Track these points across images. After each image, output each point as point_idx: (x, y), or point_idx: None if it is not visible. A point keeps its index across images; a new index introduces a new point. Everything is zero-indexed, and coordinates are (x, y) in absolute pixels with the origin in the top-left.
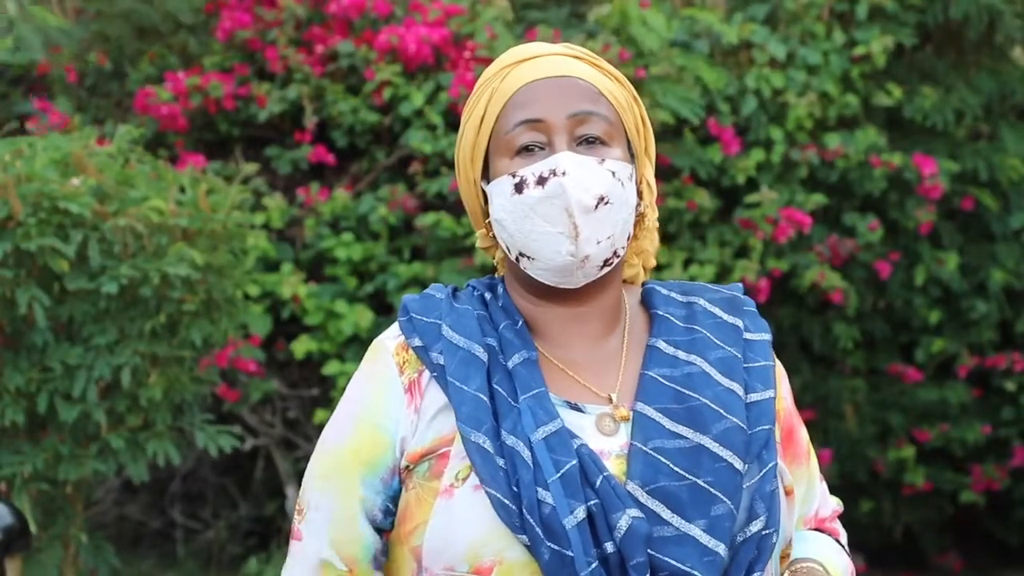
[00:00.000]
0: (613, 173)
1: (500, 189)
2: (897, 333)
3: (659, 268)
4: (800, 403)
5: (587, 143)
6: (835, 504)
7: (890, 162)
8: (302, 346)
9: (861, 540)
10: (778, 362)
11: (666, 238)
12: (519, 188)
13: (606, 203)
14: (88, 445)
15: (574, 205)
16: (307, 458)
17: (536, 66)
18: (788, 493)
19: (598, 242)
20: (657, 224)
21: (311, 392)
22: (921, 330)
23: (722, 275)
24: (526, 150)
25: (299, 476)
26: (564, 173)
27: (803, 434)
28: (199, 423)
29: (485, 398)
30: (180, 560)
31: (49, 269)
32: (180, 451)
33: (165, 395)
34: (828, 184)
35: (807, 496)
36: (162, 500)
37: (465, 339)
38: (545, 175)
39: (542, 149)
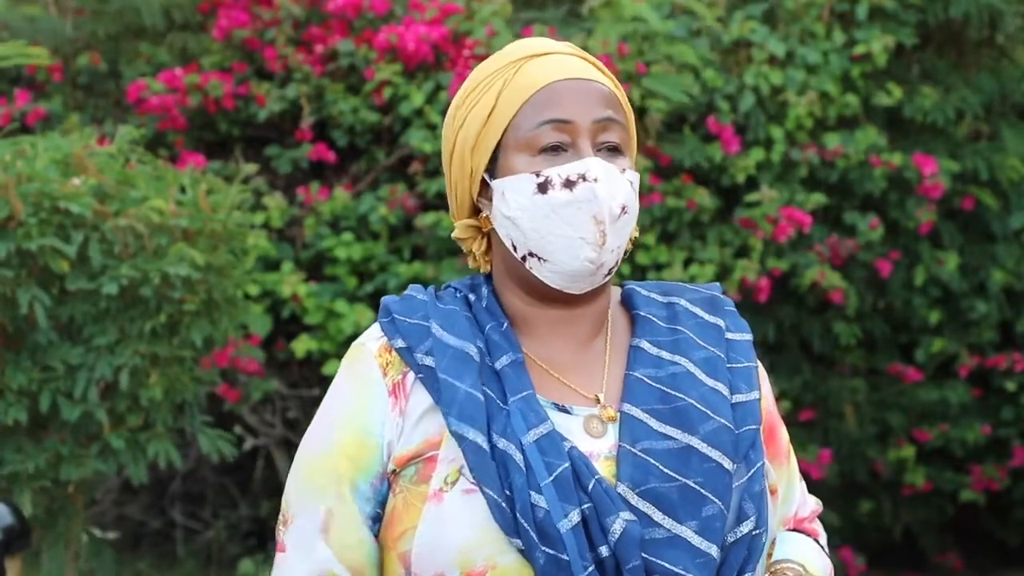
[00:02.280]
0: (631, 183)
1: (518, 187)
2: (897, 333)
3: (659, 268)
4: (800, 403)
5: (608, 150)
6: (814, 504)
7: (890, 162)
8: (302, 345)
9: (861, 540)
10: (759, 362)
11: (666, 237)
12: (543, 188)
13: (626, 213)
14: (89, 445)
15: (605, 212)
16: (298, 464)
17: (551, 63)
18: (772, 492)
19: (613, 250)
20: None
21: (311, 392)
22: (921, 330)
23: (722, 275)
24: (552, 150)
25: None
26: (596, 180)
27: (783, 434)
28: (199, 425)
29: (479, 396)
30: (180, 560)
31: (50, 269)
32: (179, 452)
33: (166, 395)
34: (828, 184)
35: (787, 496)
36: (162, 500)
37: (457, 338)
38: (573, 179)
39: (566, 151)
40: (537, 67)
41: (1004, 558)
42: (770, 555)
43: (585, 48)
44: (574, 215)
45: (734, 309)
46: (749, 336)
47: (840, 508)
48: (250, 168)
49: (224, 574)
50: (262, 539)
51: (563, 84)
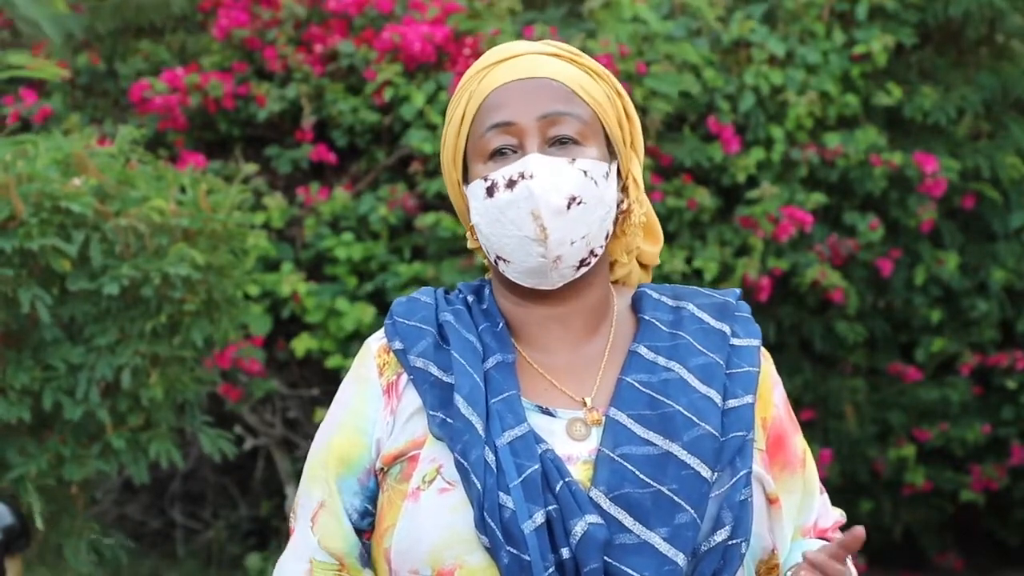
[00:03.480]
0: (585, 172)
1: (475, 193)
2: (897, 332)
3: (659, 267)
4: (801, 403)
5: (559, 144)
6: (837, 515)
7: (890, 161)
8: (302, 344)
9: None
10: (770, 369)
11: (666, 237)
12: (490, 192)
13: (579, 203)
14: (91, 445)
15: (542, 207)
16: (307, 458)
17: (513, 67)
18: (773, 502)
19: (572, 243)
20: (646, 220)
21: (311, 392)
22: (921, 329)
23: (723, 274)
24: (498, 153)
25: (299, 476)
26: (531, 176)
27: (797, 442)
28: (200, 424)
29: (483, 387)
30: (180, 560)
31: (51, 269)
32: (180, 452)
33: (166, 395)
34: (828, 183)
35: (803, 505)
36: (162, 500)
37: (466, 331)
38: (514, 178)
39: (514, 152)
40: (496, 73)
41: (1004, 558)
42: (777, 567)
43: (584, 49)
44: (516, 214)
45: (747, 315)
46: (757, 342)
47: (840, 508)
48: (250, 168)
49: (225, 574)
50: (263, 539)
51: (508, 87)
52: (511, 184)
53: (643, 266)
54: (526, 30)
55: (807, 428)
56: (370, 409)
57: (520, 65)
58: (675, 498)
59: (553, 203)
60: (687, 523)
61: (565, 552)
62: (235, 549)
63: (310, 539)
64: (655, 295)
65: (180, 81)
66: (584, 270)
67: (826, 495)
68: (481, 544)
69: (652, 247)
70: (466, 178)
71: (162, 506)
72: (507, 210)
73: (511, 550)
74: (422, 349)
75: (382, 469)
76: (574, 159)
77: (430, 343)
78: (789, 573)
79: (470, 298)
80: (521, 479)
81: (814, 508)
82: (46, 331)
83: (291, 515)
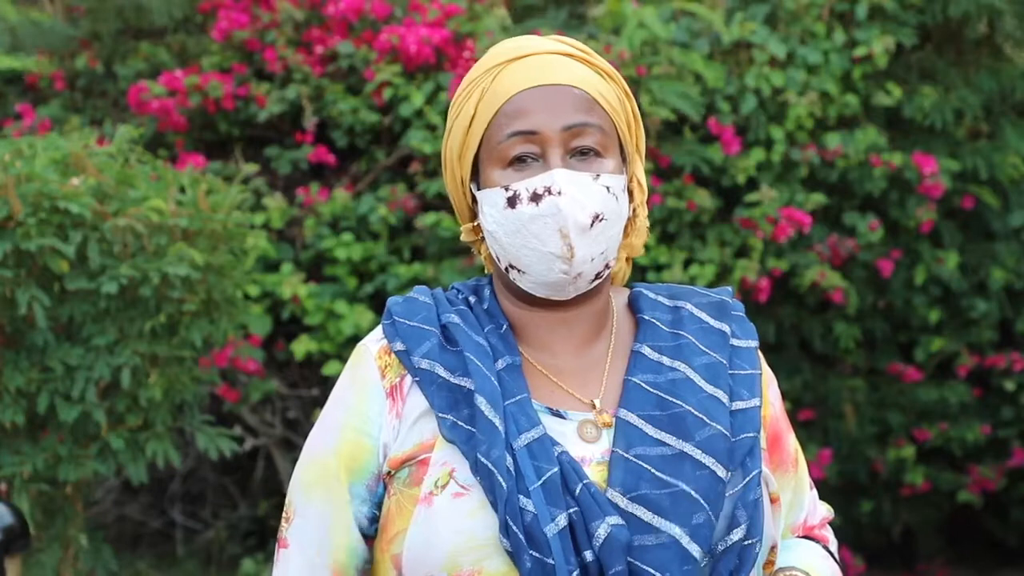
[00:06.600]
0: (608, 188)
1: (492, 200)
2: (896, 332)
3: (659, 268)
4: (800, 403)
5: (581, 155)
6: (825, 511)
7: (890, 162)
8: (302, 346)
9: (860, 540)
10: (766, 368)
11: (666, 238)
12: (512, 203)
13: (601, 220)
14: (88, 445)
15: (570, 225)
16: (302, 463)
17: (528, 67)
18: (774, 500)
19: (592, 259)
20: (647, 222)
21: (311, 392)
22: (921, 329)
23: (722, 275)
24: (519, 161)
25: None
26: (560, 192)
27: (791, 441)
28: (199, 424)
29: (497, 385)
30: (180, 560)
31: (49, 269)
32: (179, 452)
33: (165, 395)
34: (828, 184)
35: (794, 504)
36: (162, 500)
37: (474, 333)
38: (540, 192)
39: (535, 160)
40: (510, 74)
41: (1003, 558)
42: (772, 563)
43: None
44: (541, 229)
45: (742, 315)
46: (755, 343)
47: (839, 508)
48: (250, 168)
49: (224, 574)
50: (262, 539)
51: (530, 93)
52: (536, 198)
53: (626, 259)
54: (532, 33)
55: (807, 428)
56: (374, 413)
57: (537, 67)
58: (693, 495)
59: (580, 221)
60: (705, 522)
61: (588, 555)
62: (235, 549)
63: (310, 550)
64: (651, 295)
65: (178, 83)
66: (597, 282)
67: (815, 491)
68: (501, 548)
69: (637, 239)
70: (475, 177)
71: (162, 506)
72: (531, 224)
73: (534, 554)
74: (427, 350)
75: (389, 473)
76: (598, 175)
77: (435, 344)
78: None
79: (471, 299)
80: (541, 482)
81: (804, 506)
82: (39, 335)
83: (283, 523)
